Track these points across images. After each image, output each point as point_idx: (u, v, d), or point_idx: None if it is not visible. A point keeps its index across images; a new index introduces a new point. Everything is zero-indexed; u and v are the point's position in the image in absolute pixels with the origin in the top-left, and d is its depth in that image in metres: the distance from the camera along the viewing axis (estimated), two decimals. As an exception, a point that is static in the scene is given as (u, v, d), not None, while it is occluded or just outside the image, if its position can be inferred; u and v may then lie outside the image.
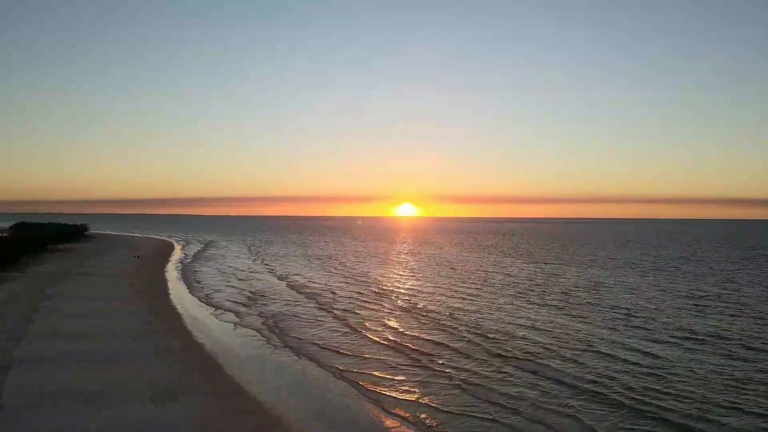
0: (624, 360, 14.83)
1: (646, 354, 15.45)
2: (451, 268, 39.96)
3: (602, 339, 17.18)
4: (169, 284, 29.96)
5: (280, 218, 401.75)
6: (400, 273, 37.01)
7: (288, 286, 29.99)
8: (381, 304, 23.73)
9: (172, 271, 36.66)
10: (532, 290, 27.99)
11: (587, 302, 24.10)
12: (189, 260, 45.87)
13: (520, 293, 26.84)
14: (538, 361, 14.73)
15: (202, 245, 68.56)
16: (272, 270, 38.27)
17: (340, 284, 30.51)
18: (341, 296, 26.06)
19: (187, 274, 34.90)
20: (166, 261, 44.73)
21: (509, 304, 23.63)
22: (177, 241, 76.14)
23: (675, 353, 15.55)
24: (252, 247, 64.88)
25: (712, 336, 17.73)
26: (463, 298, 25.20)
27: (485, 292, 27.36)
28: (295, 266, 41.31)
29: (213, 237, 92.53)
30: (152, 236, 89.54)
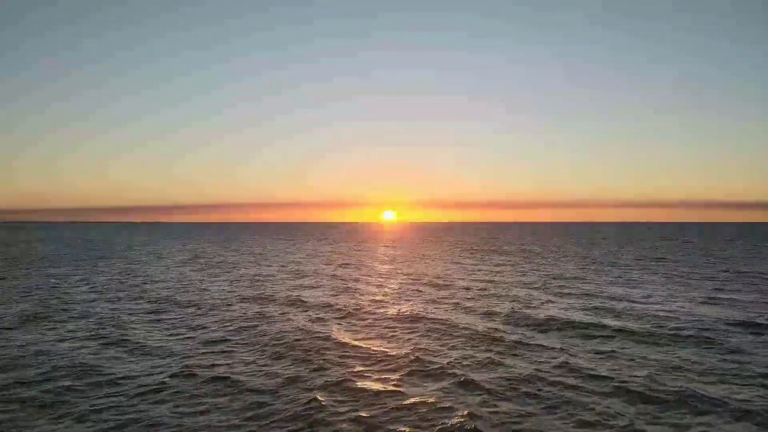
0: None
1: None
2: (419, 287, 29.55)
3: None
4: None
5: (286, 224, 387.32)
6: (320, 312, 25.79)
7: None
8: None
9: None
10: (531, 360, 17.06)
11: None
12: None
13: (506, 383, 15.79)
14: None
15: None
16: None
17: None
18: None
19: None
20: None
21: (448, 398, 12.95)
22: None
23: None
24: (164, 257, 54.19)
25: None
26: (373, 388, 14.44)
27: (426, 365, 16.48)
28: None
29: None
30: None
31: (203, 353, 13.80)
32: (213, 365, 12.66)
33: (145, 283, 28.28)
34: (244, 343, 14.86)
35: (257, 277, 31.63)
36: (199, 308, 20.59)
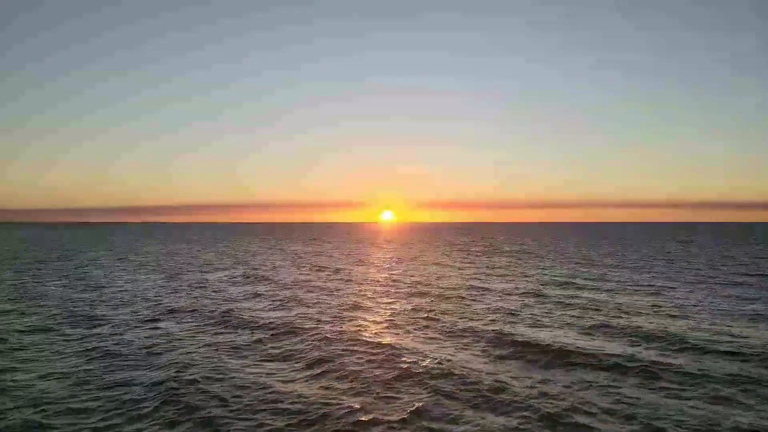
0: None
1: None
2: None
3: None
4: None
5: (284, 225, 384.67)
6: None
7: None
8: None
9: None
10: None
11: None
12: None
13: None
14: None
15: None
16: None
17: None
18: None
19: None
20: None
21: None
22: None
23: None
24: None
25: None
26: None
27: None
28: None
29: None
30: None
31: (68, 397, 9.90)
32: (71, 421, 8.76)
33: (82, 291, 24.37)
34: (135, 380, 10.94)
35: (215, 283, 27.78)
36: (119, 324, 16.69)
